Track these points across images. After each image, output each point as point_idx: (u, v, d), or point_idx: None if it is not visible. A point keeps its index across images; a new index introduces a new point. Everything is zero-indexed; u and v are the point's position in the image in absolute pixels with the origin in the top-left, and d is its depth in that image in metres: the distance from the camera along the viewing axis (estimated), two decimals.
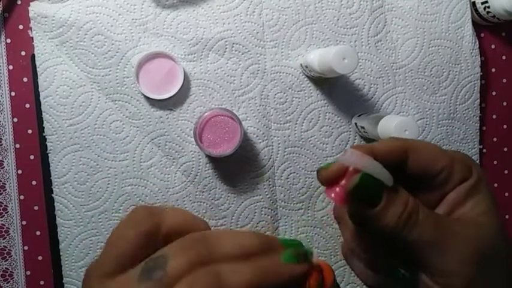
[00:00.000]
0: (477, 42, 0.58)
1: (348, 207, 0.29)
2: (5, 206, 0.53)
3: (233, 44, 0.54)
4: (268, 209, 0.55)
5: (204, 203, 0.55)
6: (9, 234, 0.53)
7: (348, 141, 0.56)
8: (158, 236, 0.27)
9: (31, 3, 0.51)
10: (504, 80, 0.60)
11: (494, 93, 0.60)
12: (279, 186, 0.55)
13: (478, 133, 0.59)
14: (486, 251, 0.27)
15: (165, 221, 0.27)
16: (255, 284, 0.25)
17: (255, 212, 0.55)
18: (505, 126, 0.61)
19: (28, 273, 0.54)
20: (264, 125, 0.55)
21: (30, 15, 0.51)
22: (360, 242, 0.31)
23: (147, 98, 0.53)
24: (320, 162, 0.56)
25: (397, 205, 0.27)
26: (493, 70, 0.60)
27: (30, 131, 0.53)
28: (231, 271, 0.25)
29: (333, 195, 0.27)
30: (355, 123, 0.55)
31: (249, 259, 0.26)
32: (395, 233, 0.27)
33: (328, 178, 0.28)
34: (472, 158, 0.59)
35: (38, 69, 0.52)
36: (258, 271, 0.26)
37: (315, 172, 0.56)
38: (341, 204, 0.27)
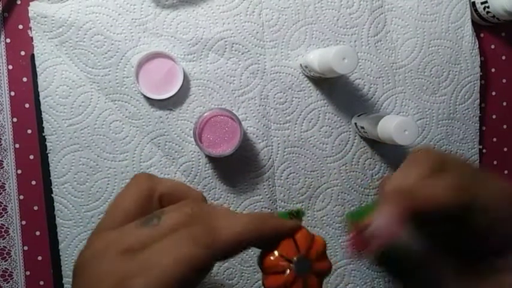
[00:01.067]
0: (477, 42, 0.58)
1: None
2: (4, 206, 0.53)
3: (233, 44, 0.54)
4: (268, 209, 0.55)
5: None
6: (9, 234, 0.53)
7: (348, 141, 0.56)
8: (155, 196, 0.30)
9: (31, 3, 0.51)
10: (504, 80, 0.60)
11: (494, 93, 0.60)
12: (279, 186, 0.55)
13: (478, 133, 0.59)
14: None
15: (161, 183, 0.31)
16: (247, 232, 0.28)
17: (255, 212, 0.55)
18: (505, 126, 0.61)
19: (28, 273, 0.54)
20: (264, 125, 0.55)
21: (29, 15, 0.51)
22: None
23: (147, 98, 0.53)
24: (320, 162, 0.56)
25: None
26: (493, 70, 0.60)
27: (29, 131, 0.53)
28: (224, 221, 0.28)
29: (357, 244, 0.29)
30: (355, 123, 0.55)
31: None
32: None
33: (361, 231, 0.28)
34: (473, 160, 0.59)
35: (37, 69, 0.52)
36: (251, 220, 0.28)
37: (315, 172, 0.56)
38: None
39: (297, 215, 0.31)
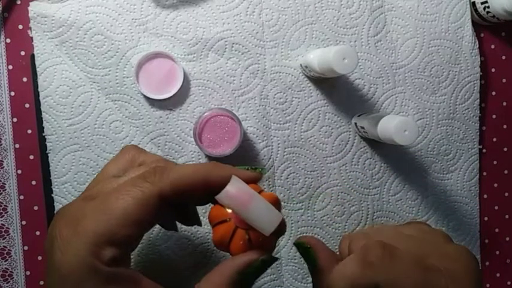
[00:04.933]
0: (477, 42, 0.58)
1: None
2: (4, 206, 0.53)
3: (233, 44, 0.54)
4: None
5: None
6: (9, 234, 0.53)
7: (348, 141, 0.56)
8: (136, 162, 0.36)
9: (31, 3, 0.51)
10: (504, 80, 0.60)
11: (494, 93, 0.60)
12: (279, 186, 0.55)
13: (478, 133, 0.59)
14: None
15: (145, 153, 0.36)
16: (195, 174, 0.30)
17: None
18: (505, 126, 0.61)
19: (28, 273, 0.54)
20: (264, 125, 0.55)
21: (29, 15, 0.51)
22: None
23: (147, 98, 0.53)
24: (320, 162, 0.56)
25: None
26: (493, 70, 0.60)
27: (29, 131, 0.53)
28: (176, 166, 0.31)
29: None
30: (355, 123, 0.55)
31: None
32: None
33: None
34: (473, 160, 0.59)
35: (37, 69, 0.52)
36: (202, 165, 0.30)
37: (315, 172, 0.56)
38: None
39: (255, 169, 0.31)
